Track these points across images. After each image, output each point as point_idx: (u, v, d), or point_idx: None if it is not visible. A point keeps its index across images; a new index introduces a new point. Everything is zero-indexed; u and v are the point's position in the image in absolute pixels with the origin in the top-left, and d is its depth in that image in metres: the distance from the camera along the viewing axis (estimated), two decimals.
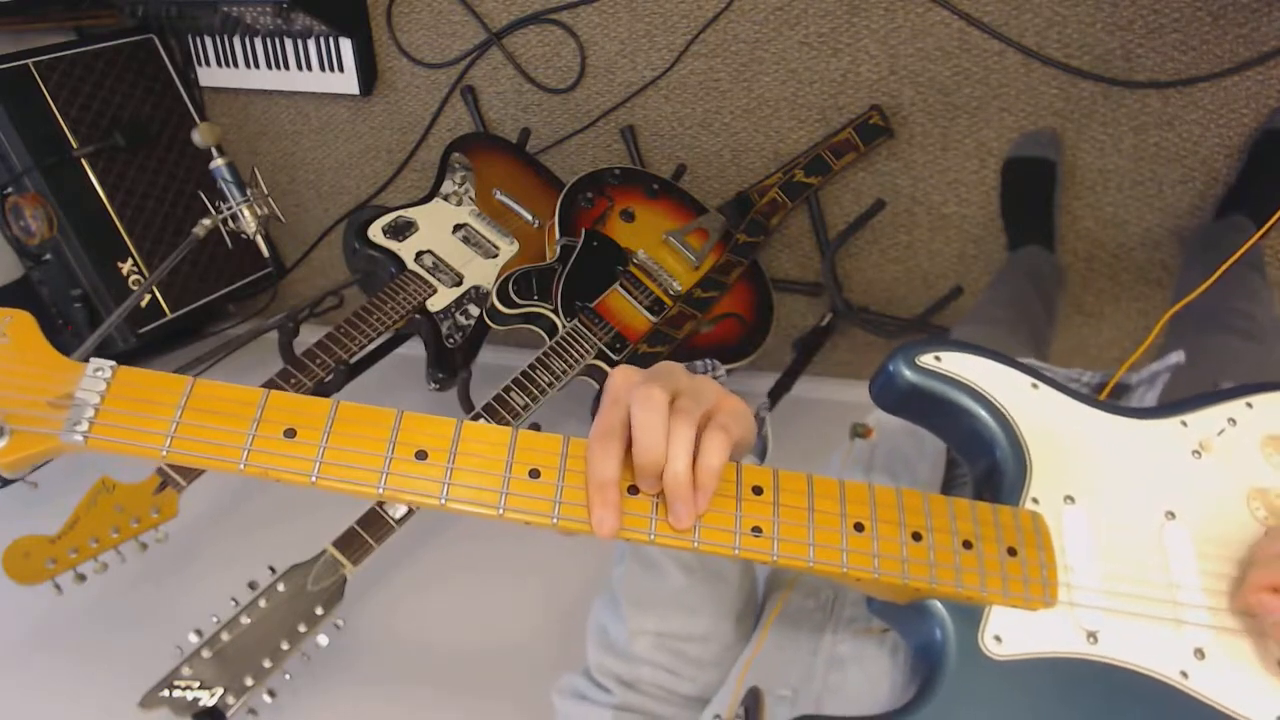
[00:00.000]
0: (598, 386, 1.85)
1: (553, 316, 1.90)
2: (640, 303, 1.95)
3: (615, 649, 0.84)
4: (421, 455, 0.63)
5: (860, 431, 0.96)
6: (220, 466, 0.61)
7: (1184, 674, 0.65)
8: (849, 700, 0.72)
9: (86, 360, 0.62)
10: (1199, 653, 0.66)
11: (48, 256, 2.39)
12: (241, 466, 0.61)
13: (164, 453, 0.60)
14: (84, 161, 2.37)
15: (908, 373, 0.72)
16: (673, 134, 2.32)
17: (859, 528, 0.65)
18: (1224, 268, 1.01)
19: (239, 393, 0.63)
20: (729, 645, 0.84)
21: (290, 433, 0.62)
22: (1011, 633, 0.65)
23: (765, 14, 2.10)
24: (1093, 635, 0.65)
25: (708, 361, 0.87)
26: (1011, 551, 0.66)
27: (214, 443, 0.61)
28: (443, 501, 0.62)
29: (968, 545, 0.66)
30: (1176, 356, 0.86)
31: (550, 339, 1.85)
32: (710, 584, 0.83)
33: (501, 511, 0.62)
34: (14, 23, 2.44)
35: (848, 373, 2.38)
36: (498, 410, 1.69)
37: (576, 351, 1.83)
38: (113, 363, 0.62)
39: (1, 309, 0.64)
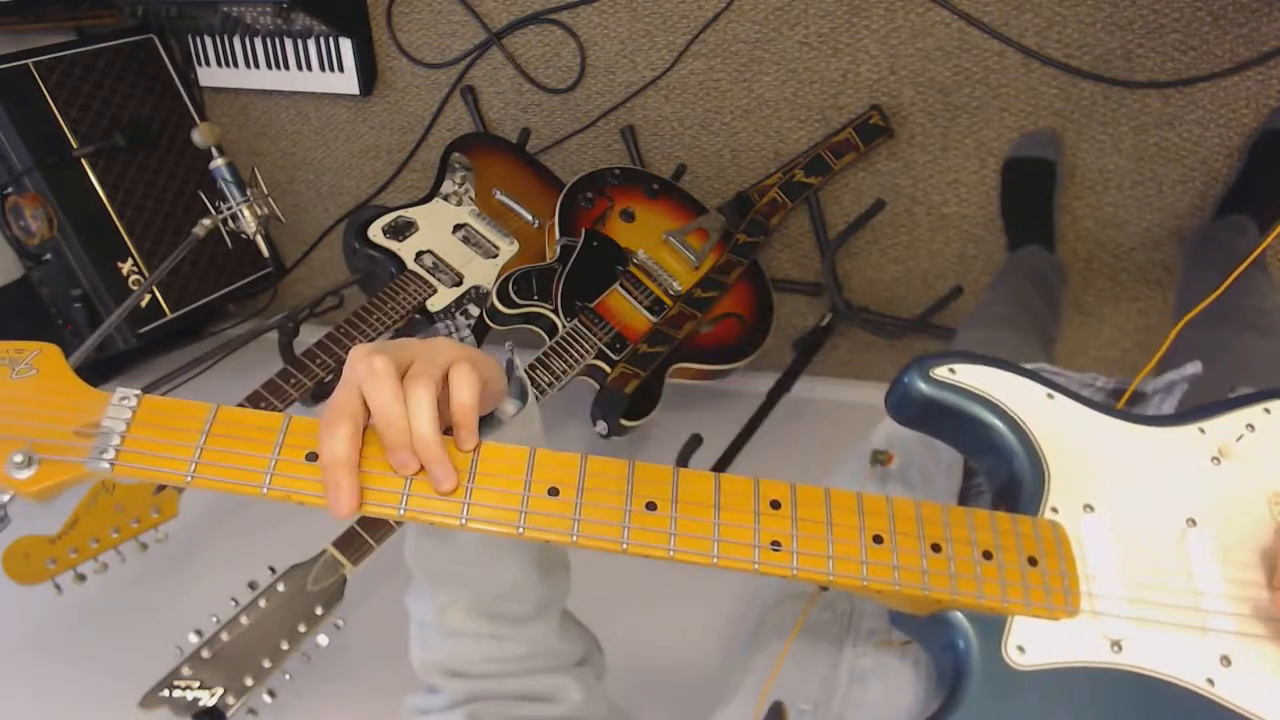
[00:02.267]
0: (598, 386, 1.85)
1: (553, 316, 1.90)
2: (640, 303, 1.95)
3: (429, 634, 0.80)
4: None
5: (881, 459, 0.95)
6: (244, 491, 0.62)
7: (1210, 681, 0.65)
8: (871, 715, 0.71)
9: (110, 388, 0.63)
10: (1225, 659, 0.66)
11: (48, 256, 2.39)
12: (264, 490, 0.61)
13: (189, 479, 0.61)
14: (84, 161, 2.36)
15: (923, 386, 0.72)
16: (673, 134, 2.32)
17: (878, 540, 0.65)
18: (1236, 274, 1.01)
19: (262, 418, 0.64)
20: (541, 596, 0.80)
21: (312, 456, 0.62)
22: (1035, 643, 0.65)
23: (765, 14, 2.10)
24: (1117, 644, 0.65)
25: (450, 324, 0.85)
26: (1032, 561, 0.66)
27: (237, 468, 0.62)
28: (463, 522, 0.62)
29: (988, 556, 0.66)
30: (1194, 367, 0.86)
31: (550, 339, 1.85)
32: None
33: (521, 530, 0.63)
34: (14, 23, 2.44)
35: (848, 373, 2.38)
36: None
37: (576, 351, 1.83)
38: (138, 391, 0.63)
39: (30, 342, 0.65)
